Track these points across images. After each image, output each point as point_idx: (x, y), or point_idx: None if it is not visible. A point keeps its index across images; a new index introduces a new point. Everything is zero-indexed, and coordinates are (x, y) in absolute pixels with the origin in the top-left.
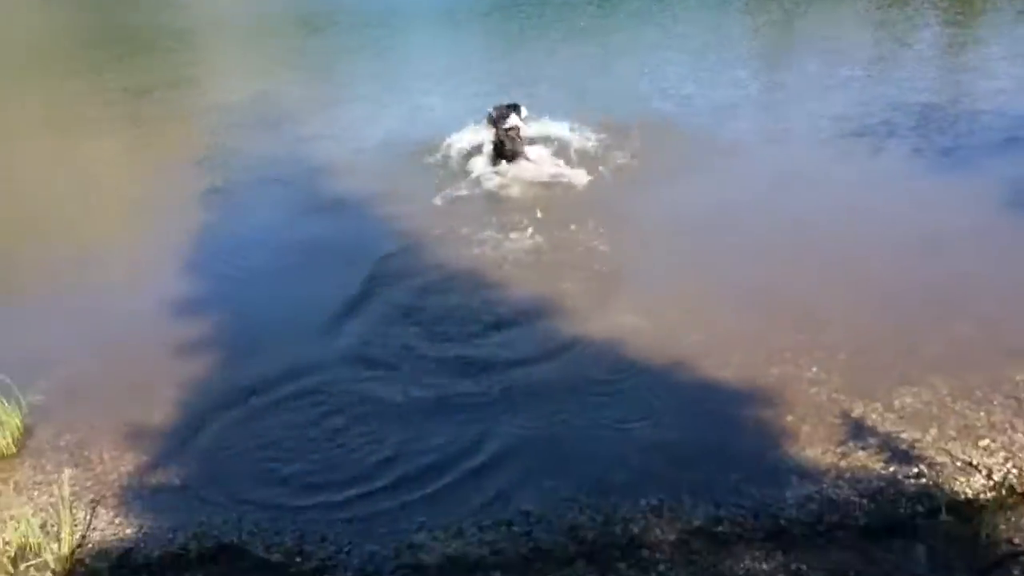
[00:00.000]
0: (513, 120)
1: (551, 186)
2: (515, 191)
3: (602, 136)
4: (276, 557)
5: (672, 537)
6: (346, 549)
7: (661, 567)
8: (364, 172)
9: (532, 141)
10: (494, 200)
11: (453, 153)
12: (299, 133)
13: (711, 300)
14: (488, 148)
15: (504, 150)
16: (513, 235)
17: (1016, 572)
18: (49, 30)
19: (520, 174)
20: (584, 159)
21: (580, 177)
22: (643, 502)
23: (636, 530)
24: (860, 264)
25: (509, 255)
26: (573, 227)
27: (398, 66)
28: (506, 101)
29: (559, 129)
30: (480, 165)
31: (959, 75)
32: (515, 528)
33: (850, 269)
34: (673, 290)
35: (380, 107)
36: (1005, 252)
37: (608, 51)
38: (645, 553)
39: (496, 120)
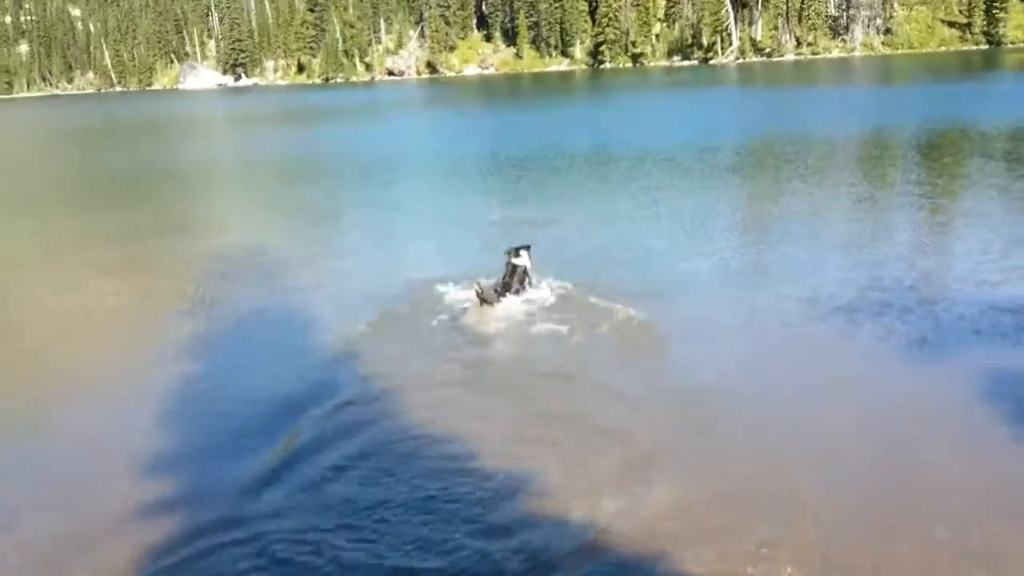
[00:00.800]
0: (524, 259)
1: (539, 342)
2: (502, 347)
3: (582, 299)
4: None
5: None
6: None
7: None
8: (349, 326)
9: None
10: (480, 362)
11: (439, 307)
12: (285, 283)
13: (690, 486)
14: (477, 297)
15: (510, 285)
16: (498, 402)
17: None
18: (55, 173)
19: (509, 329)
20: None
21: (558, 341)
22: None
23: None
24: (834, 456)
25: (496, 426)
26: (554, 395)
27: (389, 219)
28: (516, 243)
29: (548, 288)
30: (471, 318)
31: (933, 262)
32: None
33: (824, 462)
34: (651, 473)
35: (368, 259)
36: (971, 451)
37: (595, 215)
38: None
39: (508, 255)
